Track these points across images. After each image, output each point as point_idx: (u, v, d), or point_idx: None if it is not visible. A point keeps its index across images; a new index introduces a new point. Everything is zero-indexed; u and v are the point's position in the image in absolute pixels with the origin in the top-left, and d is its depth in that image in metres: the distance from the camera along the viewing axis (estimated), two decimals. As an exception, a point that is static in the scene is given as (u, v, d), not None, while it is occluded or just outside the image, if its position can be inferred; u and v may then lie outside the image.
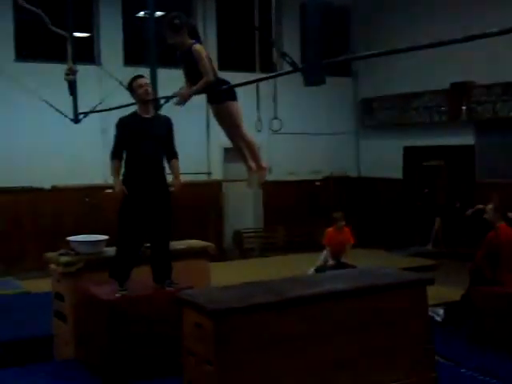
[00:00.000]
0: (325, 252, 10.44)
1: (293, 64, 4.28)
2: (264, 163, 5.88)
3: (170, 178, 6.10)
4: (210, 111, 6.06)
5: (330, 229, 10.43)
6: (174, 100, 5.64)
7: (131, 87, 5.96)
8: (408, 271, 6.42)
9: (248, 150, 5.73)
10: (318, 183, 15.78)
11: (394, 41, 13.05)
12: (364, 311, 4.82)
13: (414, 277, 5.49)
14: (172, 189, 6.02)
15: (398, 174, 15.20)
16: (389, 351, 4.88)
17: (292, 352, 4.51)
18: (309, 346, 4.57)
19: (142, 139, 5.84)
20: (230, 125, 5.65)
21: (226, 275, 9.17)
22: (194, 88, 5.41)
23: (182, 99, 5.48)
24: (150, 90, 5.98)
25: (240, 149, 5.79)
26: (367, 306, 4.84)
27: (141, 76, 6.05)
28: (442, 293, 8.14)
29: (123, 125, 5.93)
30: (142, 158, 5.84)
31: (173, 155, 6.09)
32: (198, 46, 5.42)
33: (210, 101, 5.74)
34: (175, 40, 5.48)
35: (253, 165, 5.78)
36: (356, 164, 16.30)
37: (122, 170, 5.95)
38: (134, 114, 6.02)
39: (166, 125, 6.07)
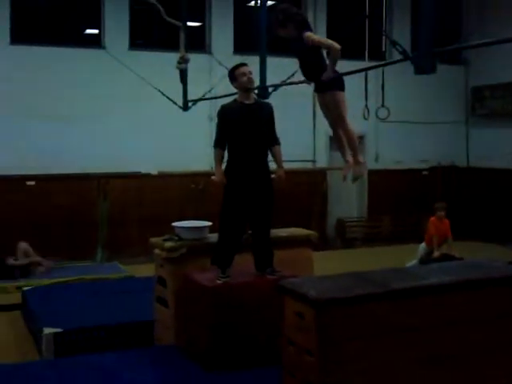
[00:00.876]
0: (423, 244, 10.33)
1: (403, 52, 4.21)
2: (362, 158, 5.76)
3: (272, 165, 6.11)
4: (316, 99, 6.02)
5: (433, 218, 10.31)
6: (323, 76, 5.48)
7: (233, 75, 5.97)
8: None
9: (348, 143, 5.65)
10: (425, 172, 15.49)
11: (509, 28, 12.56)
12: (470, 306, 4.69)
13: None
14: (274, 176, 6.01)
15: (509, 164, 14.66)
16: (497, 347, 4.73)
17: (394, 345, 4.45)
18: (412, 339, 4.50)
19: (244, 126, 5.85)
20: (334, 115, 5.58)
21: (329, 264, 9.12)
22: (331, 64, 5.32)
23: (327, 78, 5.36)
24: (252, 77, 6.00)
25: (340, 140, 5.72)
26: (474, 301, 4.70)
27: (244, 64, 6.04)
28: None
29: (225, 112, 5.95)
30: (245, 145, 5.85)
31: (275, 141, 6.07)
32: (308, 33, 5.40)
33: (316, 89, 5.70)
34: (284, 32, 5.47)
35: (350, 159, 5.71)
36: (465, 154, 15.83)
37: (226, 158, 6.00)
38: (235, 101, 6.04)
39: (268, 111, 6.06)
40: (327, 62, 5.30)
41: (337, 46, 5.19)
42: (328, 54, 5.39)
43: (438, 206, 10.43)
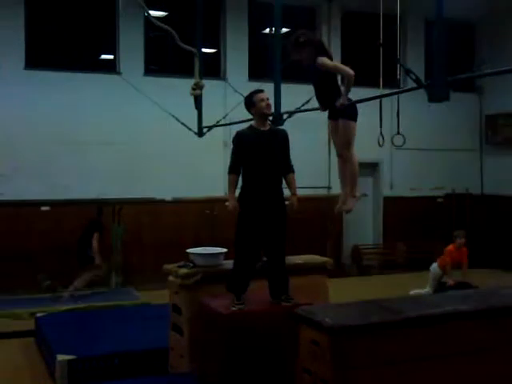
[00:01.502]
0: (435, 265, 10.26)
1: (417, 81, 4.23)
2: (357, 193, 5.79)
3: (286, 192, 6.10)
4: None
5: (451, 246, 10.24)
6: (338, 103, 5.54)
7: (251, 101, 5.96)
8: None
9: (350, 174, 5.68)
10: (439, 200, 15.45)
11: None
12: (487, 333, 4.65)
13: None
14: (287, 203, 5.98)
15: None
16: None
17: (410, 373, 4.41)
18: (428, 367, 4.45)
19: (259, 152, 5.84)
20: (343, 143, 5.63)
21: (345, 292, 9.08)
22: (345, 91, 5.37)
23: (341, 105, 5.41)
24: (270, 104, 6.02)
25: (343, 170, 5.77)
26: (491, 329, 4.66)
27: (261, 90, 6.03)
28: None
29: (240, 138, 5.94)
30: (259, 172, 5.84)
31: (289, 169, 6.04)
32: (321, 59, 5.44)
33: (330, 116, 5.74)
34: (301, 56, 5.51)
35: (347, 190, 5.74)
36: (479, 181, 15.80)
37: (240, 184, 6.01)
38: (251, 127, 6.03)
39: (282, 138, 6.05)
40: (342, 88, 5.34)
41: (350, 71, 5.23)
42: (343, 80, 5.43)
43: (457, 234, 10.34)
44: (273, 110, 6.45)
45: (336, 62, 5.41)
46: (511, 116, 14.98)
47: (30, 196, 11.95)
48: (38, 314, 8.97)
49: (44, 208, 12.14)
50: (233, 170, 5.96)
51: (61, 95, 12.24)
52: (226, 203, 5.94)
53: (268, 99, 5.97)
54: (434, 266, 10.42)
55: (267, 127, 6.03)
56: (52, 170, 12.09)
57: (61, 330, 8.10)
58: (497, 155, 15.44)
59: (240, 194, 5.94)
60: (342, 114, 5.53)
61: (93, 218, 11.30)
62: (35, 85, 12.11)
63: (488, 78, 14.31)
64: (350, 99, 5.50)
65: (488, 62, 14.27)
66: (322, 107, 5.77)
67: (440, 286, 10.02)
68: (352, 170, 5.66)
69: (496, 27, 15.20)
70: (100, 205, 11.69)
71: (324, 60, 5.44)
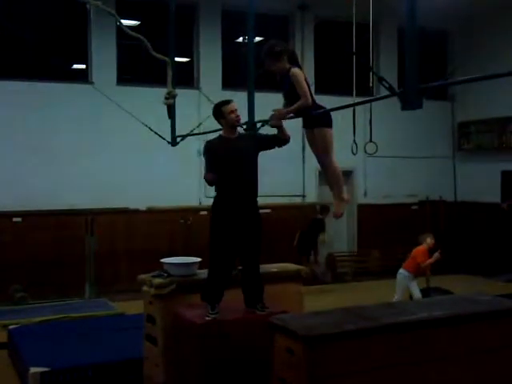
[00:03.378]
0: (404, 271, 9.99)
1: (390, 88, 4.24)
2: (346, 196, 5.79)
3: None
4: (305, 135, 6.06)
5: (422, 247, 9.99)
6: (270, 121, 5.66)
7: (220, 112, 5.93)
8: (506, 298, 6.17)
9: (333, 179, 5.69)
10: (414, 207, 15.56)
11: (492, 64, 12.75)
12: (460, 340, 4.68)
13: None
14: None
15: (496, 198, 14.74)
16: (487, 382, 4.70)
17: (386, 381, 4.41)
18: (403, 374, 4.47)
19: (231, 160, 5.82)
20: (321, 151, 5.64)
21: (319, 300, 9.09)
22: (290, 108, 5.43)
23: (277, 118, 5.51)
24: (239, 115, 6.03)
25: (327, 175, 5.77)
26: (464, 335, 4.69)
27: (229, 101, 5.97)
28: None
29: (210, 148, 5.93)
30: (232, 179, 5.82)
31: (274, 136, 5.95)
32: (295, 70, 5.47)
33: (304, 125, 5.74)
34: (276, 66, 5.52)
35: (336, 194, 5.74)
36: (453, 188, 15.95)
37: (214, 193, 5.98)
38: (220, 136, 6.03)
39: (251, 140, 6.06)
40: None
41: (308, 99, 5.31)
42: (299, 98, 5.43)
43: (426, 235, 10.17)
44: (245, 118, 6.46)
45: (304, 83, 5.43)
46: (483, 123, 15.21)
47: (1, 207, 11.81)
48: (11, 326, 8.85)
49: (16, 219, 12.01)
50: (210, 170, 5.84)
51: (32, 105, 12.15)
52: (202, 212, 5.91)
53: (237, 110, 5.95)
54: (404, 272, 10.03)
55: (236, 134, 6.03)
56: (24, 180, 11.97)
57: (34, 341, 7.99)
58: (469, 162, 15.63)
59: (214, 202, 5.93)
60: (316, 123, 5.54)
61: (315, 216, 12.37)
62: (6, 95, 12.01)
63: (460, 86, 14.55)
64: (323, 107, 5.51)
65: (460, 70, 14.45)
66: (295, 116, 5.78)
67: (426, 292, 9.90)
68: (335, 175, 5.67)
69: (468, 36, 15.41)
70: (324, 205, 12.71)
71: (297, 73, 5.47)
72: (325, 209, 12.49)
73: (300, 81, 5.46)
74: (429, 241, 9.96)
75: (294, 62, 5.60)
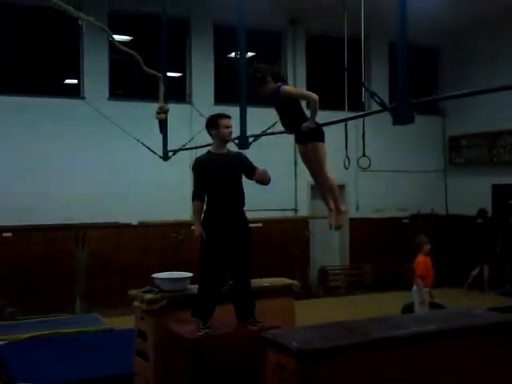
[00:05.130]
0: (413, 289, 9.76)
1: (382, 103, 4.25)
2: (343, 207, 5.77)
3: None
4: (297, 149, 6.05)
5: (420, 257, 9.53)
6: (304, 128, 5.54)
7: (215, 123, 5.99)
8: (498, 312, 6.17)
9: (329, 192, 5.68)
10: (405, 221, 15.58)
11: (483, 79, 12.85)
12: (453, 354, 4.66)
13: (505, 318, 5.28)
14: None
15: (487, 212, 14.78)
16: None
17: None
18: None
19: (219, 176, 5.88)
20: (314, 165, 5.62)
21: (311, 314, 9.05)
22: (311, 115, 5.38)
23: (308, 126, 5.41)
24: (232, 132, 6.05)
25: (322, 189, 5.75)
26: (456, 349, 4.68)
27: (228, 116, 6.06)
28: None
29: (199, 164, 6.00)
30: (221, 195, 5.86)
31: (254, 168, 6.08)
32: (285, 88, 5.45)
33: (297, 140, 5.73)
34: (264, 91, 5.52)
35: (332, 207, 5.72)
36: (444, 202, 16.00)
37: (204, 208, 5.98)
38: (209, 152, 6.09)
39: (238, 159, 6.09)
40: (307, 113, 5.35)
41: (314, 96, 5.25)
42: (308, 105, 5.44)
43: (421, 240, 9.89)
44: (237, 133, 6.47)
45: (299, 89, 5.45)
46: (474, 137, 15.32)
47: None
48: None
49: (6, 234, 11.94)
50: (196, 196, 5.99)
51: (24, 120, 12.13)
52: (193, 227, 5.90)
53: (232, 127, 6.01)
54: (416, 288, 9.81)
55: (225, 150, 6.05)
56: (14, 195, 11.91)
57: (22, 357, 7.90)
58: (460, 176, 15.71)
59: (203, 218, 5.94)
60: (309, 138, 5.53)
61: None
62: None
63: (451, 101, 14.62)
64: (316, 122, 5.51)
65: (452, 85, 14.55)
66: (289, 132, 5.78)
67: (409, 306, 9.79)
68: (330, 187, 5.65)
69: (458, 51, 15.54)
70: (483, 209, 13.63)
71: (288, 88, 5.47)
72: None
73: (294, 92, 5.47)
74: (425, 248, 9.73)
75: (279, 79, 5.58)
